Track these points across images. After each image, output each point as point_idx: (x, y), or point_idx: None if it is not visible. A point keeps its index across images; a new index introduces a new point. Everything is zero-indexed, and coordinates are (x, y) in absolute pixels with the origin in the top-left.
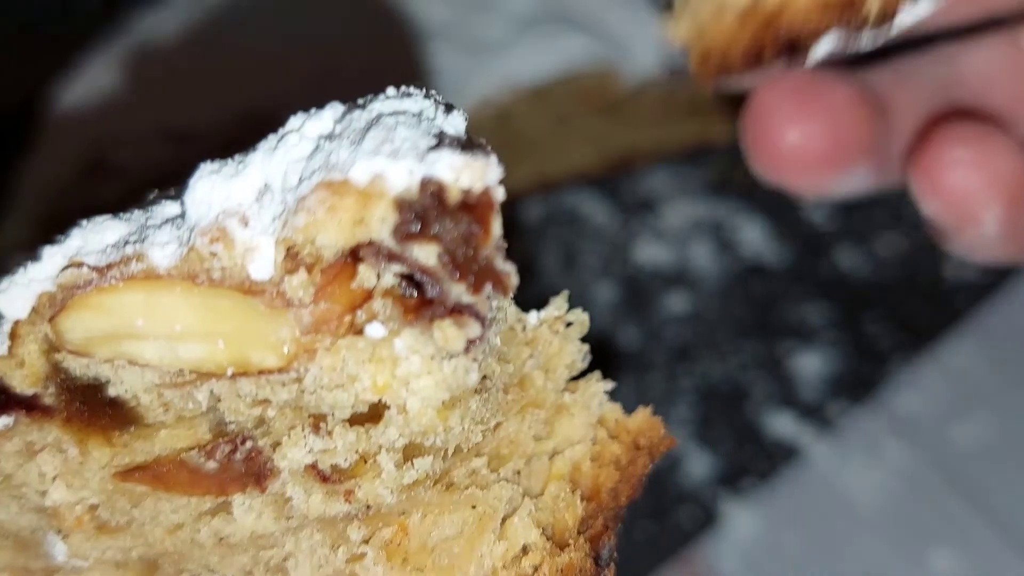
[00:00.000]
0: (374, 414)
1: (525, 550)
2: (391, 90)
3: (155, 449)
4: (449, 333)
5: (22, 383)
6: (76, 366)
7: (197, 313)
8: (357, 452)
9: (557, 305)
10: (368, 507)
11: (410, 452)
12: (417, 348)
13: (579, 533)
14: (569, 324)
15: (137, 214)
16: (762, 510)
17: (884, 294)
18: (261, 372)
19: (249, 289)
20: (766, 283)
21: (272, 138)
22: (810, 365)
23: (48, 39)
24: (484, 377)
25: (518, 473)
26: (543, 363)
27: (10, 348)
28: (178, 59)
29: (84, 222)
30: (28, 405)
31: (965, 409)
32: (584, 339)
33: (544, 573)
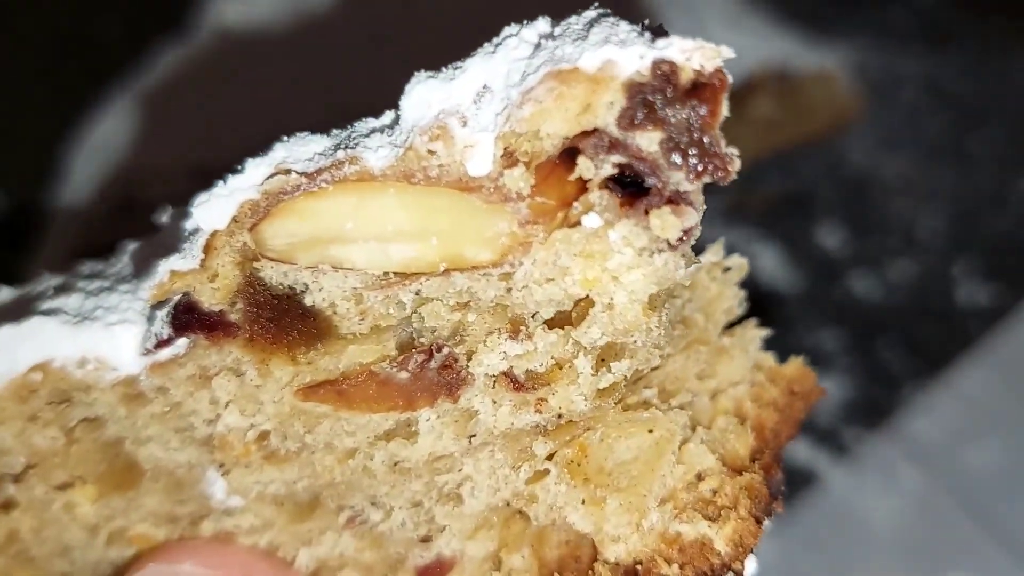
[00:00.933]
0: (572, 319)
1: (700, 476)
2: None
3: (341, 365)
4: (667, 221)
5: (211, 298)
6: (273, 275)
7: (411, 212)
8: (556, 355)
9: (715, 251)
10: (559, 416)
11: (605, 358)
12: (631, 240)
13: (752, 462)
14: (727, 269)
15: (336, 131)
16: (779, 535)
17: (897, 319)
18: (474, 267)
19: (466, 186)
20: (780, 309)
21: (488, 45)
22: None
23: (73, 75)
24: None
25: (682, 408)
26: (702, 307)
27: (203, 261)
28: (201, 94)
29: (285, 137)
30: (212, 324)
31: (978, 433)
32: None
33: (725, 494)
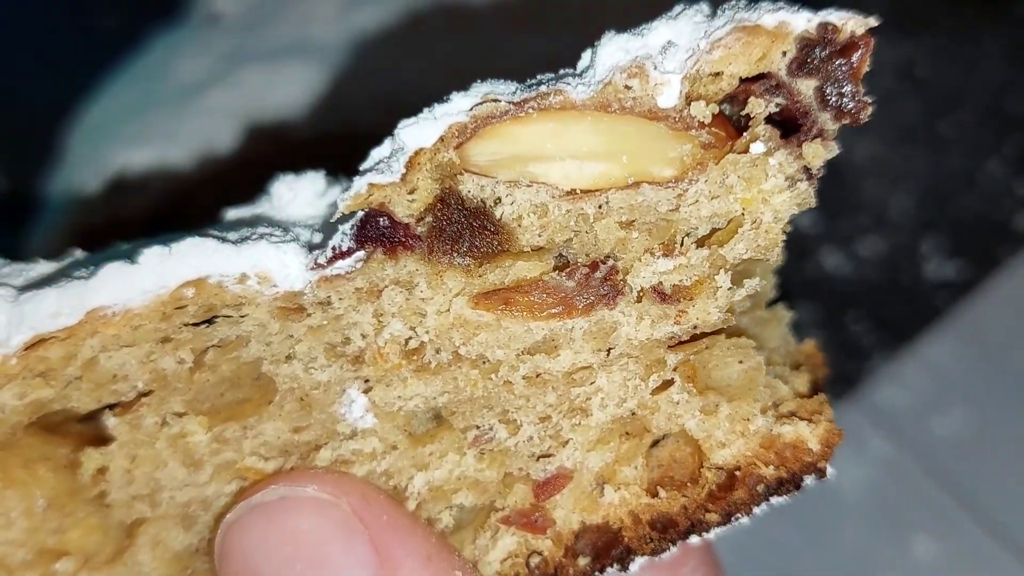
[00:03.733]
0: (718, 241)
1: (779, 401)
2: None
3: (507, 279)
4: (816, 152)
5: (405, 210)
6: (472, 188)
7: (605, 135)
8: (701, 271)
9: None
10: (693, 327)
11: (739, 277)
12: (785, 167)
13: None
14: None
15: (529, 80)
16: None
17: (866, 294)
18: (657, 182)
19: (655, 116)
20: None
21: (664, 16)
22: None
23: (71, 59)
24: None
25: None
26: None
27: (404, 175)
28: (196, 77)
29: (478, 80)
30: (397, 236)
31: (945, 403)
32: None
33: (807, 408)
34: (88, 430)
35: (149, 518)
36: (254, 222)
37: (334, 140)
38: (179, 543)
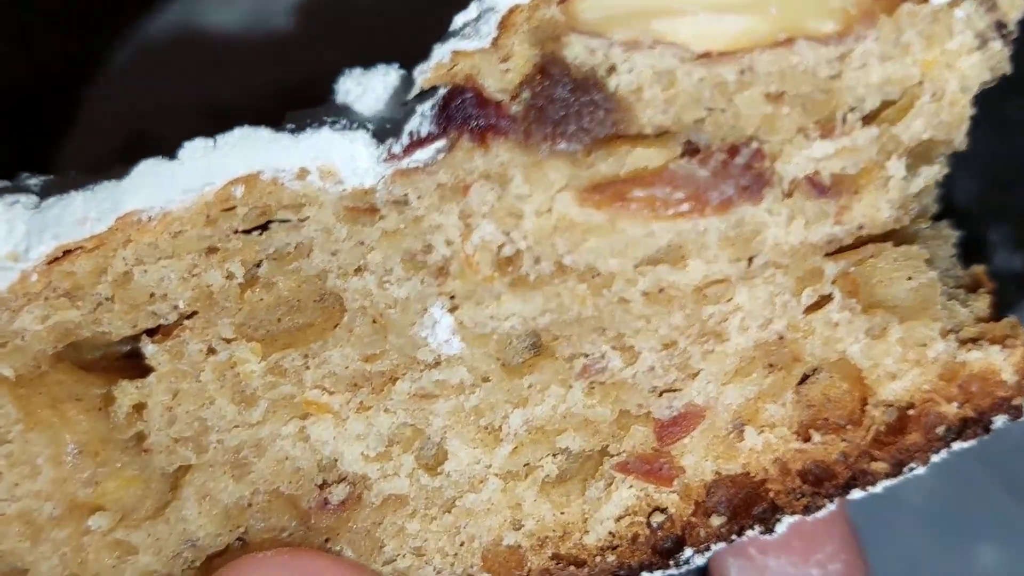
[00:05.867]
0: (889, 119)
1: (958, 327)
2: None
3: (624, 170)
4: (1015, 2)
5: (498, 82)
6: (580, 52)
7: None
8: (869, 155)
9: None
10: (859, 228)
11: (914, 162)
12: (974, 21)
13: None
14: None
15: None
16: None
17: None
18: (814, 38)
19: None
20: None
21: None
22: None
23: (90, 13)
24: None
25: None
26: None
27: (496, 40)
28: (218, 34)
29: None
30: (487, 117)
31: None
32: None
33: (996, 333)
34: (126, 367)
35: (194, 465)
36: (316, 116)
37: None
38: (229, 495)
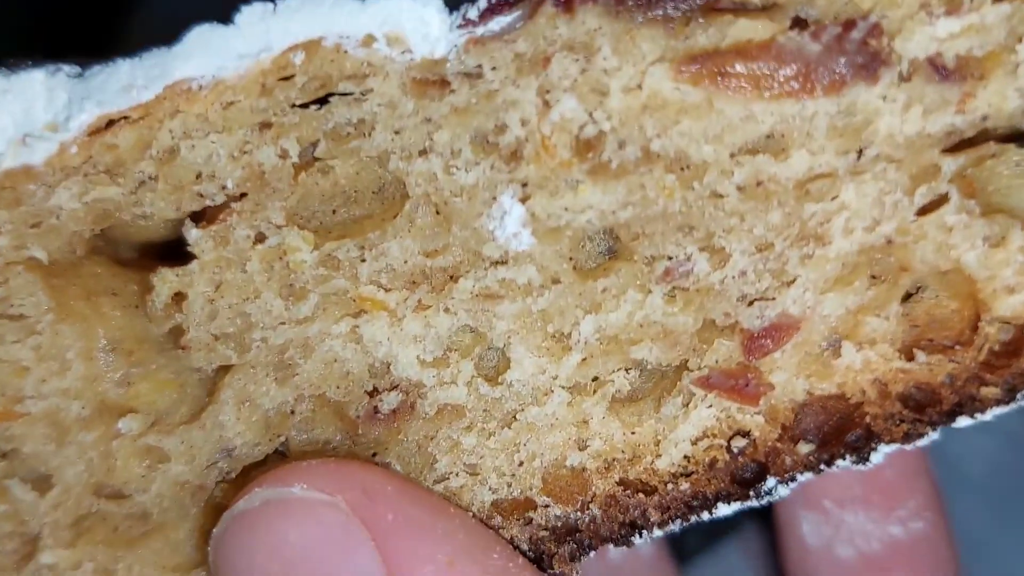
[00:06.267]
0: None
1: None
2: None
3: (725, 42)
4: None
5: None
6: None
7: None
8: (999, 36)
9: None
10: (983, 119)
11: None
12: None
13: None
14: None
15: None
16: None
17: None
18: None
19: None
20: None
21: None
22: None
23: None
24: None
25: None
26: None
27: None
28: None
29: None
30: None
31: None
32: None
33: None
34: (165, 260)
35: (235, 366)
36: None
37: None
38: (270, 400)
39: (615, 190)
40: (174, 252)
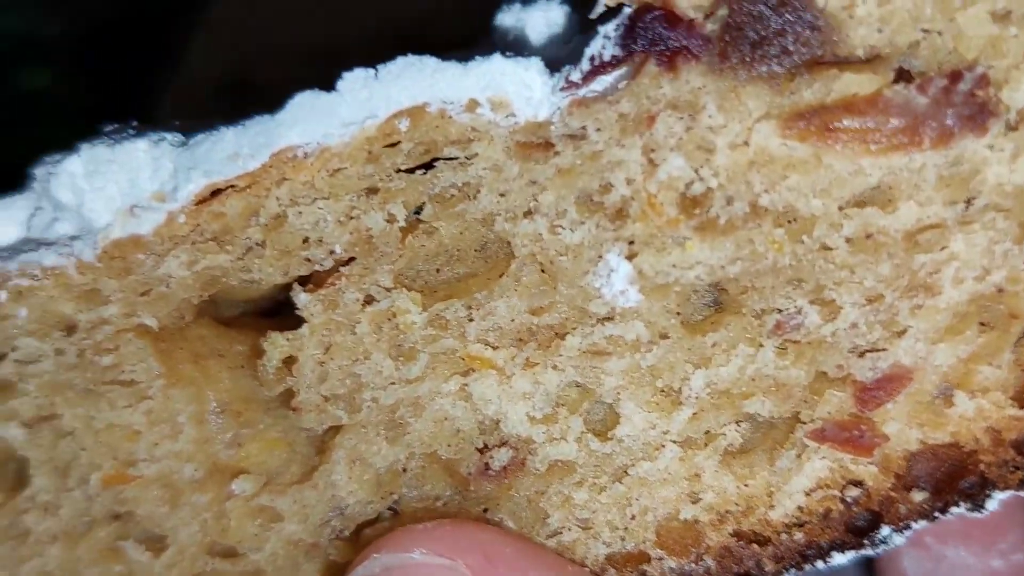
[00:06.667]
0: None
1: None
2: None
3: (830, 97)
4: None
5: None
6: None
7: None
8: None
9: None
10: None
11: None
12: None
13: None
14: None
15: None
16: None
17: None
18: None
19: None
20: None
21: None
22: None
23: None
24: None
25: None
26: None
27: None
28: None
29: None
30: (679, 38)
31: None
32: None
33: None
34: (272, 325)
35: (346, 426)
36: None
37: None
38: (382, 459)
39: (723, 246)
40: (275, 308)
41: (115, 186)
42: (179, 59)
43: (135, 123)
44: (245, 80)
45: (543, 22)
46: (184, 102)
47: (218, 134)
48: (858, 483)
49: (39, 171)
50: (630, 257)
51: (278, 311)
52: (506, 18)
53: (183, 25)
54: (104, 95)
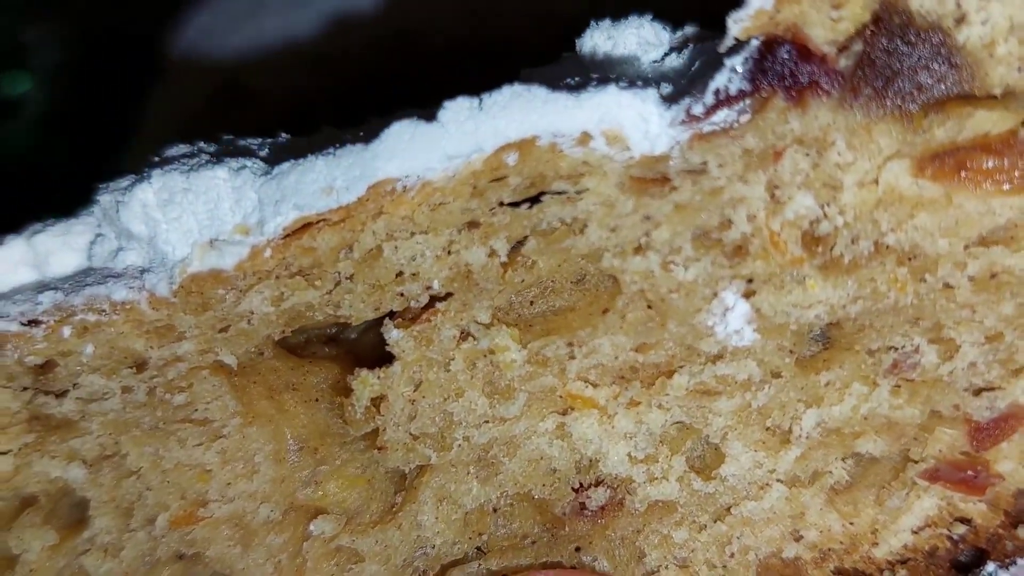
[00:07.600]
0: None
1: None
2: None
3: (962, 135)
4: None
5: (827, 33)
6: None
7: None
8: None
9: None
10: None
11: None
12: None
13: None
14: None
15: None
16: None
17: None
18: None
19: None
20: None
21: None
22: None
23: None
24: None
25: None
26: None
27: None
28: None
29: None
30: (809, 74)
31: None
32: None
33: None
34: (341, 352)
35: (434, 465)
36: (583, 68)
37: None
38: (472, 499)
39: (845, 284)
40: (339, 330)
41: (192, 217)
42: (166, 66)
43: (209, 146)
44: (237, 86)
45: (635, 41)
46: (172, 109)
47: (306, 164)
48: (966, 520)
49: (104, 198)
50: (747, 295)
51: (340, 334)
52: (596, 34)
53: (169, 31)
54: (88, 101)
